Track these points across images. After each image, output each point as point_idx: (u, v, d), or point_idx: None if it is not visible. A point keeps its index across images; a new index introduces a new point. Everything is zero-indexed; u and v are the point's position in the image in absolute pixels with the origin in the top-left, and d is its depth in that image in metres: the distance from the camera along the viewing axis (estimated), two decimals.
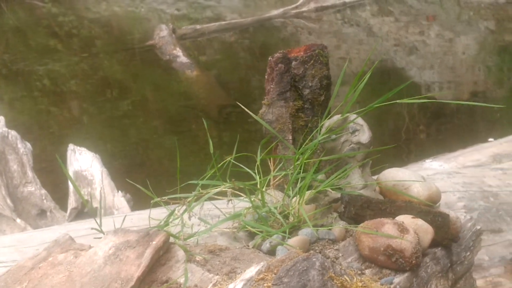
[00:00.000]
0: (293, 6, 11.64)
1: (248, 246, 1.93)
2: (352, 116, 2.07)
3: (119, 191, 4.79)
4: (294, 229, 1.96)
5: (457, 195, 3.39)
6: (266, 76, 2.18)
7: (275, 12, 11.52)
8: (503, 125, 7.58)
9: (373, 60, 10.16)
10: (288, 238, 1.91)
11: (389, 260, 1.89)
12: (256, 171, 2.05)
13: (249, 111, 2.15)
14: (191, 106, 8.35)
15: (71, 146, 5.05)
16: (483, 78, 9.64)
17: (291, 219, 1.97)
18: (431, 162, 4.26)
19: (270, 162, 2.12)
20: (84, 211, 4.73)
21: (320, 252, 1.89)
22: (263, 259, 1.82)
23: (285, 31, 11.41)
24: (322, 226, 2.01)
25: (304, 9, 11.70)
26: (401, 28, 11.42)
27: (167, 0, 12.68)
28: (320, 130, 2.08)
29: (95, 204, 4.74)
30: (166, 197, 1.99)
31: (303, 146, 2.06)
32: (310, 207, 2.02)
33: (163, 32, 9.94)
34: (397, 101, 2.01)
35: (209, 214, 2.05)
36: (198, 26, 10.82)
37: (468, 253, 2.18)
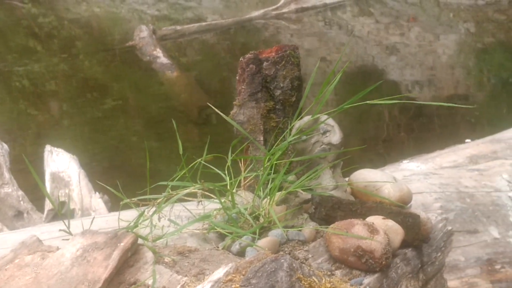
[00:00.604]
0: (274, 7, 11.65)
1: (218, 247, 1.92)
2: (323, 117, 2.07)
3: (96, 192, 4.77)
4: (264, 230, 1.96)
5: (433, 196, 3.40)
6: (237, 77, 2.18)
7: (255, 13, 11.53)
8: (483, 126, 7.63)
9: (354, 61, 10.21)
10: (258, 239, 1.90)
11: (359, 261, 1.89)
12: (226, 172, 2.04)
13: (220, 112, 2.15)
14: (172, 107, 8.34)
15: (48, 147, 5.02)
16: (463, 79, 9.70)
17: (261, 220, 1.97)
18: (408, 163, 4.27)
19: (241, 163, 2.12)
20: (62, 213, 4.71)
21: (289, 253, 1.89)
22: (232, 260, 1.82)
23: (266, 32, 11.42)
24: (293, 227, 2.01)
25: (285, 10, 11.72)
26: (382, 29, 11.45)
27: (148, 1, 12.66)
28: (291, 131, 2.08)
29: (73, 206, 4.73)
30: (135, 199, 1.98)
31: (274, 147, 2.06)
32: (280, 208, 2.02)
33: (143, 33, 9.93)
34: (367, 102, 2.01)
35: (180, 215, 2.05)
36: (178, 27, 10.81)
37: (439, 254, 2.18)
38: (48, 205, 4.66)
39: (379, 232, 1.91)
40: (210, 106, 2.35)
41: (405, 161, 4.34)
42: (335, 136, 2.08)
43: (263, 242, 1.87)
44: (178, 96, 8.68)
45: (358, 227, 1.90)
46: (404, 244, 2.01)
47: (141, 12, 12.32)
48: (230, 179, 2.05)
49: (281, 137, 2.10)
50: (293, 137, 2.04)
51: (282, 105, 2.17)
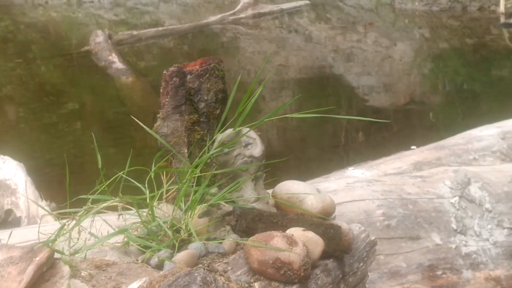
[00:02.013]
0: (231, 12, 11.71)
1: (137, 260, 1.93)
2: (245, 130, 2.09)
3: (43, 200, 4.75)
4: (185, 243, 1.98)
5: (376, 202, 3.42)
6: (161, 90, 2.19)
7: (213, 18, 11.57)
8: (439, 130, 7.72)
9: (312, 67, 10.28)
10: (178, 252, 1.92)
11: (277, 273, 1.91)
12: (146, 185, 2.05)
13: (143, 125, 2.16)
14: (126, 113, 8.33)
15: None
16: (418, 84, 9.81)
17: (182, 233, 1.99)
18: (353, 170, 4.30)
19: (163, 176, 2.13)
20: (8, 221, 4.68)
21: (208, 266, 1.91)
22: (149, 273, 1.83)
23: (224, 37, 11.46)
24: (215, 239, 2.03)
25: (242, 15, 11.78)
26: (339, 35, 11.55)
27: (105, 5, 12.63)
28: (213, 143, 2.10)
29: (19, 214, 4.70)
30: (55, 212, 1.99)
31: (196, 160, 2.08)
32: (203, 220, 2.04)
33: (99, 38, 9.92)
34: (287, 115, 2.04)
35: (102, 229, 2.05)
36: (135, 32, 10.82)
37: (361, 264, 2.21)
38: None
39: (298, 243, 1.93)
40: (134, 119, 2.36)
41: (350, 168, 4.37)
42: (257, 149, 2.10)
43: (181, 255, 1.89)
44: (133, 102, 8.68)
45: (277, 239, 1.92)
46: (325, 255, 2.03)
47: (98, 17, 12.29)
48: (153, 192, 2.06)
49: (203, 150, 2.11)
50: (215, 150, 2.05)
51: (206, 117, 2.19)
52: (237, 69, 9.77)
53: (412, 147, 4.73)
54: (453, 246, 3.39)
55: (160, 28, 11.13)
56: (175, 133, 2.18)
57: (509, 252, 3.44)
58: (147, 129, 2.14)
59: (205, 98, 2.18)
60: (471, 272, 3.39)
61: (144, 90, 8.86)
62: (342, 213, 3.22)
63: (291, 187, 2.17)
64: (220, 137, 2.10)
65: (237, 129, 2.08)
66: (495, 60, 10.53)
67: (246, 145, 2.09)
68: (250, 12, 11.71)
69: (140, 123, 2.15)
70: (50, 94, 9.16)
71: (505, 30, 11.81)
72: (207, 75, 2.18)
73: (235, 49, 10.77)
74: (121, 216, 2.03)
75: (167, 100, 2.16)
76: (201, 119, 2.19)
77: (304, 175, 4.25)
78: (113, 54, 9.51)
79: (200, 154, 2.11)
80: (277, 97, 8.50)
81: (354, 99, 9.07)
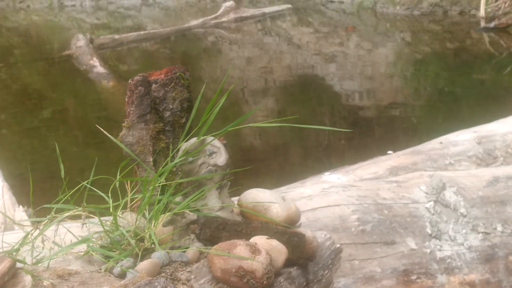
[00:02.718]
0: (213, 16, 11.74)
1: (100, 269, 1.94)
2: (209, 139, 2.11)
3: (20, 206, 4.73)
4: (148, 252, 1.98)
5: (351, 208, 3.42)
6: (126, 99, 2.21)
7: (194, 22, 11.59)
8: (422, 134, 7.75)
9: (294, 71, 10.30)
10: (140, 261, 1.92)
11: (240, 281, 1.92)
12: (109, 194, 2.06)
13: (108, 134, 2.17)
14: (107, 117, 8.33)
15: None
16: (400, 88, 9.84)
17: (146, 242, 1.99)
18: (330, 175, 4.30)
19: (127, 185, 2.14)
20: None
21: (171, 275, 1.91)
22: (112, 283, 1.83)
23: (206, 41, 11.47)
24: (179, 248, 2.04)
25: (224, 19, 11.80)
26: (321, 39, 11.58)
27: (87, 9, 12.62)
28: (178, 152, 2.11)
29: None
30: (19, 220, 1.99)
31: (160, 168, 2.09)
32: (167, 229, 2.04)
33: (80, 42, 9.91)
34: (250, 124, 2.05)
35: (66, 238, 2.06)
36: (116, 36, 10.82)
37: (326, 272, 2.22)
38: None
39: (261, 252, 1.95)
40: (99, 128, 2.37)
41: (326, 173, 4.37)
42: (221, 158, 2.11)
43: (144, 264, 1.89)
44: (114, 106, 8.68)
45: (240, 247, 1.94)
46: (289, 263, 2.05)
47: (80, 21, 12.28)
48: (118, 200, 2.07)
49: (167, 159, 2.12)
50: (179, 159, 2.06)
51: (171, 126, 2.20)
52: (218, 73, 9.79)
53: (389, 152, 4.74)
54: (428, 250, 3.39)
55: (142, 32, 11.14)
56: (140, 142, 2.19)
57: (483, 256, 3.44)
58: (112, 138, 2.15)
59: (171, 107, 2.19)
60: (446, 276, 3.39)
61: (124, 94, 8.86)
62: (317, 219, 3.22)
63: (256, 196, 2.18)
64: (184, 146, 2.11)
65: (201, 138, 2.09)
66: (476, 64, 10.60)
67: (211, 154, 2.11)
68: (232, 16, 11.73)
69: (105, 132, 2.15)
70: (31, 98, 9.15)
71: (486, 34, 11.89)
72: (172, 84, 2.19)
73: (217, 53, 10.79)
74: (84, 225, 2.03)
75: (132, 109, 2.17)
76: (166, 128, 2.20)
77: (281, 180, 4.26)
78: (94, 58, 9.50)
79: (164, 163, 2.12)
80: (259, 101, 8.52)
81: (336, 102, 9.10)
